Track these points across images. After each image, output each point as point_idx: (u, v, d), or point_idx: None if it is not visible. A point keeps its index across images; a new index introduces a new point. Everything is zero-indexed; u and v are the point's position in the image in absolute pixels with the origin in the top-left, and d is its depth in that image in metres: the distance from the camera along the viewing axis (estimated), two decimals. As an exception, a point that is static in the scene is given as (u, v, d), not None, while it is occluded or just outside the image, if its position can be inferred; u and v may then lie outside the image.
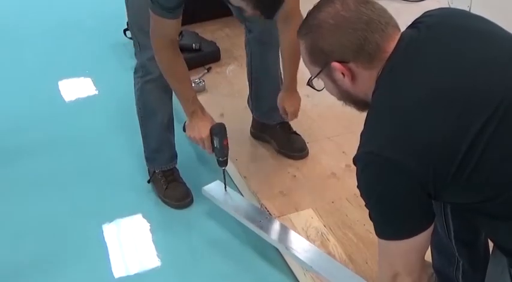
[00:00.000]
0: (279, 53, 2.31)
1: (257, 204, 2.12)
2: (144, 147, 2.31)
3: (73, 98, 3.13)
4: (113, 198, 2.35)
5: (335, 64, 1.21)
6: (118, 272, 2.03)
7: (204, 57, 3.05)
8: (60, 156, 2.63)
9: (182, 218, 2.23)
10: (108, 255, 2.08)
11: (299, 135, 2.41)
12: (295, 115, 2.14)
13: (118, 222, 2.25)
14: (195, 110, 1.96)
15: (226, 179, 2.11)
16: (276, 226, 1.96)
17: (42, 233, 2.20)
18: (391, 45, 1.19)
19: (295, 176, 2.26)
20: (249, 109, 2.46)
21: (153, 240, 2.15)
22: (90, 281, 2.00)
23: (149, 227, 2.21)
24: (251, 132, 2.49)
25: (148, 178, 2.34)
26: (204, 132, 1.95)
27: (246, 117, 2.48)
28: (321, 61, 1.24)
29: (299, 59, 1.77)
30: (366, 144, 1.18)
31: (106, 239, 2.16)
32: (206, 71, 3.00)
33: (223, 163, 2.03)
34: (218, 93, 2.85)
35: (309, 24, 1.24)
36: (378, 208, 1.22)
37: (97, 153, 2.64)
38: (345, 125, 2.56)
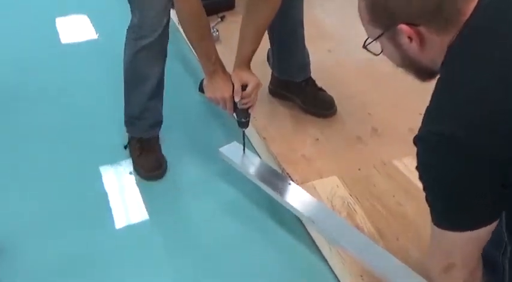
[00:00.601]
0: (303, 4, 2.13)
1: (278, 169, 1.97)
2: (124, 111, 2.10)
3: (70, 41, 2.95)
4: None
5: (403, 26, 1.03)
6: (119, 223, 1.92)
7: (217, 4, 2.84)
8: (50, 105, 2.46)
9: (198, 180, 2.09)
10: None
11: (325, 91, 2.24)
12: (256, 91, 1.83)
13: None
14: (216, 69, 1.78)
15: (245, 139, 1.95)
16: (299, 194, 1.81)
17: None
18: (471, 6, 1.01)
19: (317, 139, 2.10)
20: (267, 64, 2.28)
21: (162, 204, 2.01)
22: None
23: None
24: (270, 90, 2.32)
25: (125, 143, 2.16)
26: (227, 92, 1.78)
27: (264, 72, 2.28)
28: (385, 22, 1.05)
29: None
30: (435, 122, 1.02)
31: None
32: (220, 19, 2.80)
33: (245, 124, 1.87)
34: (233, 45, 2.62)
35: None
36: (441, 194, 1.07)
37: (85, 105, 2.46)
38: (370, 83, 2.40)
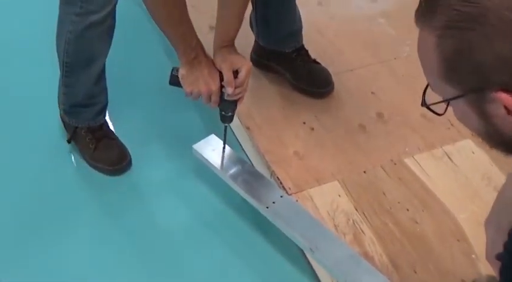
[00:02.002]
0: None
1: (266, 172, 1.62)
2: (62, 98, 1.69)
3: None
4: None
5: (502, 95, 0.66)
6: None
7: None
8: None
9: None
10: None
11: (320, 64, 1.85)
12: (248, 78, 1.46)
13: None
14: (198, 54, 1.37)
15: (227, 135, 1.58)
16: (294, 211, 1.47)
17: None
18: None
19: (312, 128, 1.74)
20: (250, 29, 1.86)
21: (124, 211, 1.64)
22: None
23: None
24: (252, 59, 1.91)
25: (68, 137, 1.75)
26: (214, 83, 1.39)
27: (246, 36, 1.87)
28: (470, 82, 0.69)
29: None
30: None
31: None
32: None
33: (230, 118, 1.50)
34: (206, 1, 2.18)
35: (458, 10, 0.66)
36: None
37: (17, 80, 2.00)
38: (373, 52, 2.01)
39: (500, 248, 0.85)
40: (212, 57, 1.43)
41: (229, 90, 1.40)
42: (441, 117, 0.79)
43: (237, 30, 1.45)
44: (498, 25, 0.65)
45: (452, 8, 0.67)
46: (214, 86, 1.40)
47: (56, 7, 1.52)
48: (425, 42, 0.72)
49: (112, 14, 1.50)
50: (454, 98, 0.72)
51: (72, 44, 1.53)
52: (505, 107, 0.68)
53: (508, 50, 0.65)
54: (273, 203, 1.48)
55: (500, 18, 0.65)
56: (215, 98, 1.42)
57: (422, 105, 0.78)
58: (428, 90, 0.79)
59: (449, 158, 1.65)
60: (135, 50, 2.07)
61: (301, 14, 1.81)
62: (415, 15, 0.73)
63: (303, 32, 1.84)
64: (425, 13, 0.71)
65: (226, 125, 1.53)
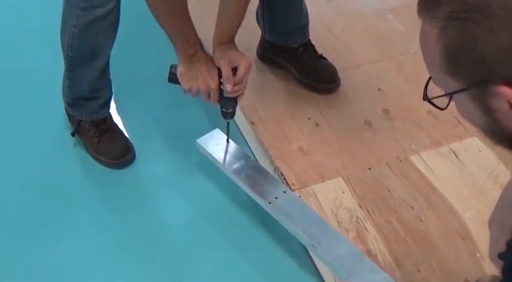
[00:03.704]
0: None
1: (270, 167, 1.60)
2: (66, 91, 1.68)
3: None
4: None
5: (505, 89, 0.64)
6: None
7: None
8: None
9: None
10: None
11: (326, 59, 1.83)
12: (248, 75, 1.43)
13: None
14: (196, 51, 1.36)
15: (229, 130, 1.56)
16: (297, 207, 1.45)
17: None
18: None
19: (317, 124, 1.72)
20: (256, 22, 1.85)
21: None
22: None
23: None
24: (258, 53, 1.90)
25: (72, 130, 1.74)
26: (213, 80, 1.38)
27: (252, 30, 1.85)
28: (473, 77, 0.67)
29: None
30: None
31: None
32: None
33: (231, 115, 1.49)
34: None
35: (461, 1, 0.64)
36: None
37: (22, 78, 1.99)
38: (381, 48, 1.99)
39: (503, 247, 0.84)
40: (211, 54, 1.42)
41: (227, 87, 1.38)
42: (448, 114, 0.78)
43: (237, 27, 1.43)
44: (503, 16, 0.63)
45: None
46: (213, 83, 1.38)
47: (61, 0, 1.52)
48: (427, 34, 0.70)
49: (116, 8, 1.49)
50: (456, 92, 0.70)
51: (76, 38, 1.52)
52: (508, 102, 0.67)
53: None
54: (276, 198, 1.46)
55: (505, 9, 0.63)
56: (214, 95, 1.40)
57: (424, 99, 0.76)
58: (432, 84, 0.77)
59: (455, 155, 1.63)
60: (140, 44, 2.06)
61: (309, 9, 1.79)
62: (418, 6, 0.71)
63: (310, 27, 1.83)
64: (428, 4, 0.69)
65: (228, 121, 1.52)
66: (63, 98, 1.72)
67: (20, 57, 2.06)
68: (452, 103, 0.76)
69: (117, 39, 1.58)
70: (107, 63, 1.62)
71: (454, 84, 0.70)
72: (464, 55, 0.67)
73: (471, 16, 0.64)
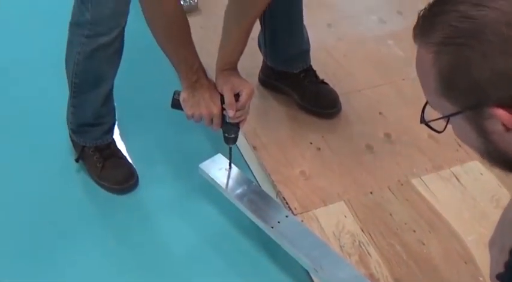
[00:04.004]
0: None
1: (272, 192, 1.61)
2: (70, 118, 1.70)
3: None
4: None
5: (499, 111, 0.66)
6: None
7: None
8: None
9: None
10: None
11: (328, 84, 1.85)
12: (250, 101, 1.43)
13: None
14: (199, 77, 1.38)
15: (232, 155, 1.57)
16: (299, 231, 1.46)
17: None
18: None
19: (319, 148, 1.73)
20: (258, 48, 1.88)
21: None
22: None
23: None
24: (260, 79, 1.92)
25: (76, 155, 1.75)
26: (216, 106, 1.39)
27: (254, 56, 1.88)
28: (467, 98, 0.68)
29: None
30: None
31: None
32: (199, -18, 2.35)
33: (233, 140, 1.50)
34: (214, 15, 2.18)
35: (455, 27, 0.66)
36: None
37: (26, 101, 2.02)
38: (382, 73, 2.01)
39: (502, 268, 0.84)
40: (214, 80, 1.44)
41: (230, 113, 1.40)
42: (449, 138, 0.79)
43: (240, 54, 1.45)
44: (496, 42, 0.65)
45: (449, 24, 0.68)
46: (216, 109, 1.40)
47: (66, 28, 1.55)
48: (423, 59, 0.72)
49: (121, 36, 1.52)
50: (452, 115, 0.71)
51: (81, 65, 1.54)
52: (503, 124, 0.68)
53: (505, 66, 0.65)
54: (278, 223, 1.47)
55: (497, 35, 0.65)
56: (217, 120, 1.42)
57: (421, 122, 0.78)
58: (429, 108, 0.79)
59: (457, 179, 1.64)
60: (144, 71, 2.08)
61: (310, 35, 1.82)
62: (413, 32, 0.73)
63: (312, 53, 1.85)
64: (422, 30, 0.71)
65: (231, 146, 1.53)
66: (68, 125, 1.74)
67: (25, 85, 2.09)
68: (449, 126, 0.77)
69: (121, 65, 1.61)
70: (111, 90, 1.64)
71: (449, 107, 0.72)
72: (458, 79, 0.69)
73: (465, 41, 0.66)
